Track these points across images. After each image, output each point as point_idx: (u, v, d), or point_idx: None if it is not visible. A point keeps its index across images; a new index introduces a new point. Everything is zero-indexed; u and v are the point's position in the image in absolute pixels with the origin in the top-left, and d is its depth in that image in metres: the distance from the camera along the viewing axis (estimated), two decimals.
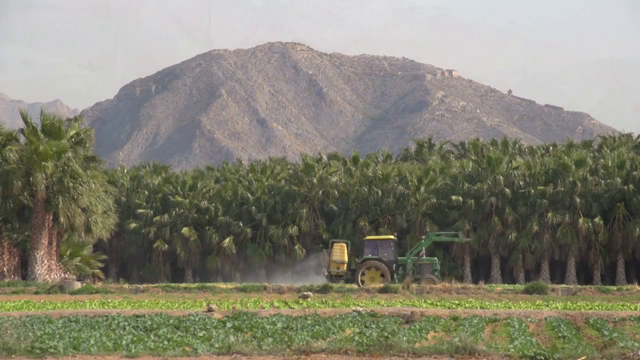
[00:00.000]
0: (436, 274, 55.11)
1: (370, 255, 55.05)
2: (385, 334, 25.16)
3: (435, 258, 58.19)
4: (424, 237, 60.80)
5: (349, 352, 21.71)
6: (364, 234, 73.37)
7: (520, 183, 78.62)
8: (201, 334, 25.05)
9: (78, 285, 49.59)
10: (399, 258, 55.89)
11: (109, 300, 42.34)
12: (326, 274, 55.62)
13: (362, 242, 59.59)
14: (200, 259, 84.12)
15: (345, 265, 55.58)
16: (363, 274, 54.42)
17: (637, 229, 75.21)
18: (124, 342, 23.03)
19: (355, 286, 50.39)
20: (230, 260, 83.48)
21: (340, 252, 55.71)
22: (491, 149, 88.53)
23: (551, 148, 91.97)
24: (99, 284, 54.15)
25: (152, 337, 24.09)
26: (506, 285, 58.87)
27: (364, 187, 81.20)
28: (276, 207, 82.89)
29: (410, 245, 64.99)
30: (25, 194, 58.20)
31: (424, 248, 56.97)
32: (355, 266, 55.65)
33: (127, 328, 26.60)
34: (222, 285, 51.40)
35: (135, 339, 23.60)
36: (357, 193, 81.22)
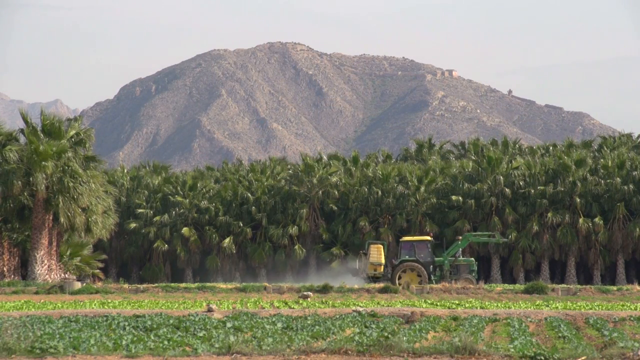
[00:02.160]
0: (473, 274, 54.69)
1: (407, 257, 54.66)
2: (385, 334, 25.15)
3: (472, 259, 57.56)
4: (460, 237, 60.27)
5: (349, 352, 21.70)
6: (402, 235, 72.67)
7: (520, 183, 78.65)
8: (201, 334, 25.03)
9: (78, 285, 49.58)
10: (436, 259, 55.48)
11: (109, 300, 42.34)
12: (364, 276, 55.15)
13: (398, 243, 58.96)
14: (200, 259, 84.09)
15: (382, 266, 55.09)
16: (400, 277, 54.04)
17: (637, 229, 75.27)
18: (124, 342, 23.02)
19: (356, 286, 50.28)
20: (230, 260, 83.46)
21: (377, 253, 55.16)
22: (491, 149, 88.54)
23: (551, 148, 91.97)
24: (99, 284, 54.15)
25: (152, 337, 24.07)
26: (506, 285, 58.88)
27: (364, 187, 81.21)
28: (276, 207, 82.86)
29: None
30: (25, 194, 58.16)
31: (460, 249, 56.64)
32: (392, 267, 55.07)
33: (127, 328, 26.59)
34: (222, 285, 51.39)
35: (135, 339, 23.59)
36: (357, 193, 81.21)
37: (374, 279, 54.39)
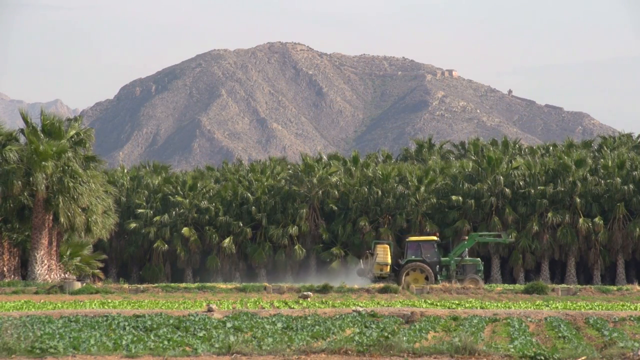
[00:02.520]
0: (479, 274, 54.62)
1: (413, 257, 54.59)
2: (385, 334, 25.15)
3: (479, 259, 57.45)
4: (466, 237, 60.09)
5: (349, 352, 21.70)
6: (408, 235, 72.49)
7: (520, 183, 78.65)
8: (201, 334, 25.04)
9: (78, 285, 49.57)
10: (442, 259, 55.40)
11: (109, 300, 42.34)
12: (370, 276, 55.09)
13: (404, 243, 58.81)
14: (200, 259, 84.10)
15: (389, 267, 55.00)
16: (407, 275, 53.96)
17: (637, 229, 75.29)
18: (124, 342, 23.02)
19: (356, 286, 50.21)
20: (230, 260, 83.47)
21: (384, 253, 55.05)
22: (491, 149, 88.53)
23: (551, 148, 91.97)
24: (99, 284, 54.15)
25: (152, 337, 24.07)
26: (506, 285, 58.89)
27: (364, 187, 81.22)
28: (276, 207, 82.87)
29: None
30: (25, 194, 58.17)
31: (466, 249, 56.53)
32: (398, 267, 54.95)
33: (127, 328, 26.59)
34: (222, 285, 51.38)
35: (135, 339, 23.59)
36: (357, 193, 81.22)
37: (381, 279, 54.35)
